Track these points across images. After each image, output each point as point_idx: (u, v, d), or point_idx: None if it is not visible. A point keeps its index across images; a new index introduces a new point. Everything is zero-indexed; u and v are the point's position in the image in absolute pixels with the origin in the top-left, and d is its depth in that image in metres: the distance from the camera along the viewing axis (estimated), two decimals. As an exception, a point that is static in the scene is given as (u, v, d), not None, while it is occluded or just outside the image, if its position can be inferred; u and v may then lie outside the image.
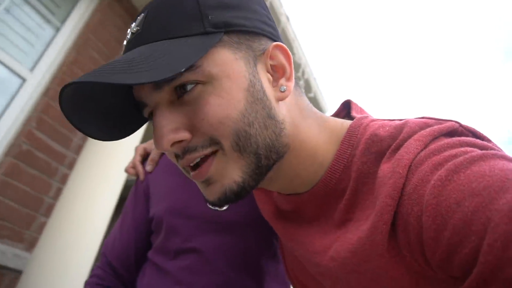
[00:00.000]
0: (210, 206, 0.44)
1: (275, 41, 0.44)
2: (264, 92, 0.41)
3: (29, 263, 1.64)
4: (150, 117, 0.43)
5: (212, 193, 0.41)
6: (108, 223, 1.84)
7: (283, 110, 0.43)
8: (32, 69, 1.93)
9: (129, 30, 0.42)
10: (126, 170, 0.80)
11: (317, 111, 0.49)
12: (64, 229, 1.70)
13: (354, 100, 0.55)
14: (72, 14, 2.15)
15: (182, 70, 0.34)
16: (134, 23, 0.42)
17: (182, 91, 0.39)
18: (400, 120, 0.43)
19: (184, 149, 0.40)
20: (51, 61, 2.00)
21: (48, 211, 1.86)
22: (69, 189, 1.83)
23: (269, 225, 0.63)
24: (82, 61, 2.10)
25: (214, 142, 0.39)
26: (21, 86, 1.88)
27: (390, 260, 0.35)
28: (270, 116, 0.41)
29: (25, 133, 1.79)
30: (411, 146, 0.37)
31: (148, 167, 0.75)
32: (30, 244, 1.77)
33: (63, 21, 2.11)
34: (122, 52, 0.43)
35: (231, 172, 0.40)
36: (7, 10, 1.85)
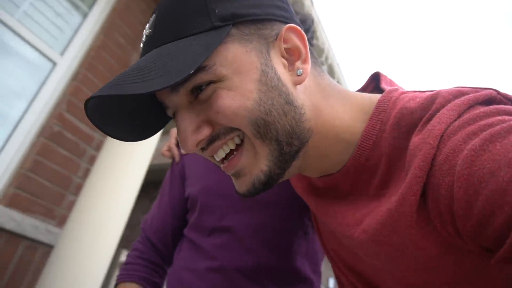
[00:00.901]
0: (242, 197, 0.46)
1: (288, 23, 0.43)
2: (278, 78, 0.41)
3: (60, 238, 1.74)
4: (174, 115, 0.44)
5: (241, 186, 0.44)
6: (133, 203, 1.91)
7: (302, 95, 0.42)
8: (62, 53, 2.00)
9: (144, 31, 0.43)
10: (162, 153, 0.85)
11: (342, 88, 0.47)
12: (92, 207, 1.78)
13: (383, 72, 0.53)
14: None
15: (191, 72, 0.35)
16: (148, 24, 0.42)
17: (197, 92, 0.40)
18: (432, 91, 0.41)
19: (209, 141, 0.42)
20: (79, 45, 2.06)
21: (77, 190, 1.95)
22: (96, 170, 1.90)
23: (300, 205, 0.65)
24: (109, 45, 2.16)
25: (233, 128, 0.41)
26: (52, 70, 1.95)
27: (420, 232, 0.35)
28: (288, 102, 0.41)
29: (56, 115, 1.87)
30: (443, 116, 0.35)
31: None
32: (60, 221, 1.87)
33: (90, 6, 2.16)
34: (140, 55, 0.44)
35: (258, 161, 0.42)
36: (39, -4, 1.92)
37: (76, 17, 2.10)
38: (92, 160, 2.04)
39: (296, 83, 0.42)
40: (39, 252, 1.77)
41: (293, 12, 0.47)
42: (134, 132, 0.45)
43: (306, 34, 0.46)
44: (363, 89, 0.55)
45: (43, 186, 1.80)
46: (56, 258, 1.67)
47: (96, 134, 2.08)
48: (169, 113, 0.44)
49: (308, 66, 0.42)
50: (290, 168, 0.44)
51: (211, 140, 0.42)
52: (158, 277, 0.75)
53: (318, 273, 0.70)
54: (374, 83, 0.53)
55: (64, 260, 1.65)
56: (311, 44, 0.57)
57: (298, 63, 0.42)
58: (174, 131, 0.84)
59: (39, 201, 1.79)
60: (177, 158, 0.81)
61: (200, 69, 0.38)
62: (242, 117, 0.39)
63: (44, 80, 1.92)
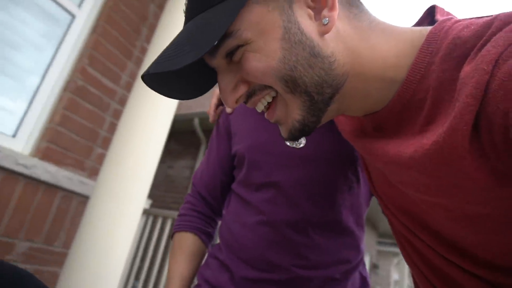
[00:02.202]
0: (287, 143, 0.52)
1: None
2: (302, 32, 0.41)
3: (94, 189, 1.83)
4: None
5: (283, 132, 0.48)
6: (159, 154, 1.98)
7: (332, 43, 0.42)
8: (80, 5, 1.94)
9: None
10: (207, 112, 0.87)
11: (388, 25, 0.45)
12: (121, 160, 1.84)
13: (440, 5, 0.50)
14: None
15: (215, 44, 0.38)
16: None
17: (231, 55, 0.44)
18: (490, 16, 0.37)
19: (248, 95, 0.47)
20: (96, -4, 2.00)
21: (105, 143, 2.01)
22: (123, 124, 1.94)
23: (345, 160, 0.68)
24: (126, -5, 2.09)
25: (267, 86, 0.45)
26: (71, 22, 1.91)
27: (473, 162, 0.33)
28: (314, 54, 0.41)
29: (79, 69, 1.87)
30: (500, 39, 0.32)
31: (228, 110, 0.82)
32: (91, 172, 1.95)
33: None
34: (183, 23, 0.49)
35: (291, 112, 0.45)
36: None
37: (89, -36, 2.01)
38: (116, 114, 2.07)
39: (323, 33, 0.42)
40: (74, 202, 1.87)
41: None
42: (190, 91, 0.51)
43: None
44: (418, 24, 0.52)
45: (72, 139, 1.86)
46: (92, 209, 1.77)
47: (119, 88, 2.09)
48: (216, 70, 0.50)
49: (336, 13, 0.41)
50: (327, 112, 0.46)
51: (249, 95, 0.46)
52: (210, 227, 0.81)
53: (361, 226, 0.74)
54: (430, 18, 0.51)
55: (100, 209, 1.76)
56: None
57: (324, 12, 0.42)
58: (216, 91, 0.87)
59: (70, 154, 1.85)
60: (212, 119, 0.86)
61: (226, 36, 0.41)
62: (270, 76, 0.42)
63: (64, 33, 1.89)
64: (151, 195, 5.37)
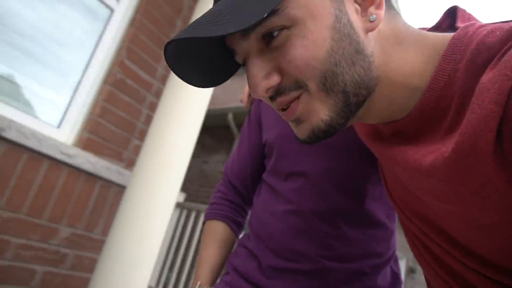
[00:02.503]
0: (302, 143, 0.47)
1: None
2: (351, 25, 0.39)
3: (130, 179, 1.88)
4: (244, 63, 0.44)
5: (301, 132, 0.43)
6: (192, 148, 2.00)
7: (373, 41, 0.40)
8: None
9: None
10: (241, 100, 0.86)
11: (416, 29, 0.44)
12: (156, 152, 1.88)
13: (461, 6, 0.47)
14: None
15: (264, 16, 0.33)
16: None
17: (269, 38, 0.39)
18: None
19: (276, 91, 0.41)
20: (134, -10, 2.05)
21: (141, 135, 2.07)
22: (158, 116, 1.98)
23: None
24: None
25: (299, 85, 0.40)
26: (110, 16, 1.97)
27: (495, 167, 0.32)
28: (358, 50, 0.39)
29: (118, 63, 1.93)
30: None
31: None
32: (128, 163, 2.01)
33: None
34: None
35: (318, 111, 0.41)
36: None
37: (128, -40, 2.06)
38: (152, 106, 2.11)
39: (368, 30, 0.40)
40: (112, 191, 1.94)
41: None
42: (206, 78, 0.46)
43: None
44: (437, 27, 0.50)
45: (111, 130, 1.92)
46: (129, 197, 1.83)
47: (155, 81, 2.13)
48: (239, 59, 0.44)
49: (382, 11, 0.40)
50: (355, 118, 0.43)
51: (278, 91, 0.41)
52: (240, 216, 0.81)
53: (393, 219, 0.71)
54: (450, 20, 0.49)
55: (136, 199, 1.81)
56: None
57: (371, 9, 0.40)
58: None
59: (109, 145, 1.92)
60: (245, 104, 0.85)
61: (272, 12, 0.36)
62: (313, 68, 0.38)
63: (104, 27, 1.96)
64: (185, 190, 5.50)
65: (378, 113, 0.44)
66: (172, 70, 0.42)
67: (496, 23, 0.38)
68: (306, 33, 0.38)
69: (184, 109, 1.96)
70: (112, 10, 1.97)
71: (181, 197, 2.82)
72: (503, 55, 0.33)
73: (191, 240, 3.06)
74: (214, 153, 6.02)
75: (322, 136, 0.42)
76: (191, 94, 1.98)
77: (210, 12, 0.38)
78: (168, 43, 0.37)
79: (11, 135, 1.52)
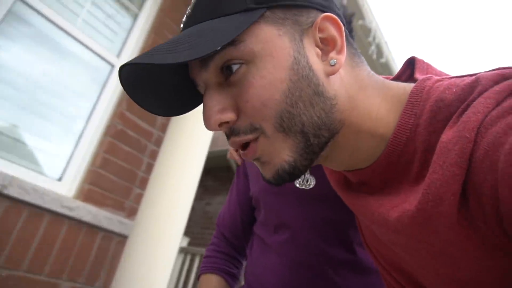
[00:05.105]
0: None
1: (325, 12, 0.42)
2: (310, 68, 0.39)
3: (132, 228, 1.87)
4: None
5: (266, 172, 0.42)
6: (194, 193, 2.01)
7: (335, 85, 0.41)
8: (118, 55, 2.11)
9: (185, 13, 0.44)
10: (230, 157, 0.89)
11: (380, 78, 0.45)
12: (157, 200, 1.89)
13: (419, 56, 0.49)
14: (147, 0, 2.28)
15: (220, 46, 0.34)
16: (189, 6, 0.43)
17: (228, 72, 0.39)
18: (472, 75, 0.37)
19: (230, 130, 0.41)
20: (133, 47, 2.16)
21: (142, 183, 2.08)
22: (159, 164, 2.01)
23: None
24: (160, 43, 2.24)
25: (254, 128, 0.39)
26: (111, 71, 2.07)
27: (461, 232, 0.32)
28: (317, 93, 0.39)
29: (118, 114, 1.99)
30: (480, 105, 0.32)
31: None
32: (130, 212, 2.01)
33: (140, 7, 2.25)
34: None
35: (279, 153, 0.40)
36: (93, 2, 2.03)
37: (127, 19, 2.20)
38: (153, 155, 2.15)
39: (329, 74, 0.40)
40: (114, 242, 1.92)
41: (334, 1, 0.45)
42: (168, 107, 0.46)
43: (347, 26, 0.44)
44: (398, 76, 0.51)
45: (112, 181, 1.94)
46: (131, 247, 1.81)
47: (155, 130, 2.19)
48: (201, 90, 0.44)
49: (343, 56, 0.40)
50: (319, 158, 0.43)
51: (232, 131, 0.41)
52: (235, 268, 0.81)
53: None
54: (409, 71, 0.50)
55: (138, 248, 1.79)
56: (351, 36, 0.53)
57: (332, 54, 0.41)
58: None
59: (110, 195, 1.93)
60: (238, 161, 0.86)
61: (230, 43, 0.37)
62: (269, 109, 0.38)
63: (105, 81, 2.05)
64: (189, 233, 5.41)
65: (343, 159, 0.44)
66: (127, 94, 0.41)
67: (452, 77, 0.39)
68: (264, 72, 0.38)
69: (185, 154, 2.00)
70: (112, 66, 2.07)
71: (185, 242, 2.78)
72: (461, 114, 0.34)
73: (195, 286, 2.97)
74: (217, 194, 5.99)
75: (287, 178, 0.41)
76: (192, 139, 2.03)
77: (170, 40, 0.39)
78: (122, 68, 0.37)
79: (13, 191, 1.54)
